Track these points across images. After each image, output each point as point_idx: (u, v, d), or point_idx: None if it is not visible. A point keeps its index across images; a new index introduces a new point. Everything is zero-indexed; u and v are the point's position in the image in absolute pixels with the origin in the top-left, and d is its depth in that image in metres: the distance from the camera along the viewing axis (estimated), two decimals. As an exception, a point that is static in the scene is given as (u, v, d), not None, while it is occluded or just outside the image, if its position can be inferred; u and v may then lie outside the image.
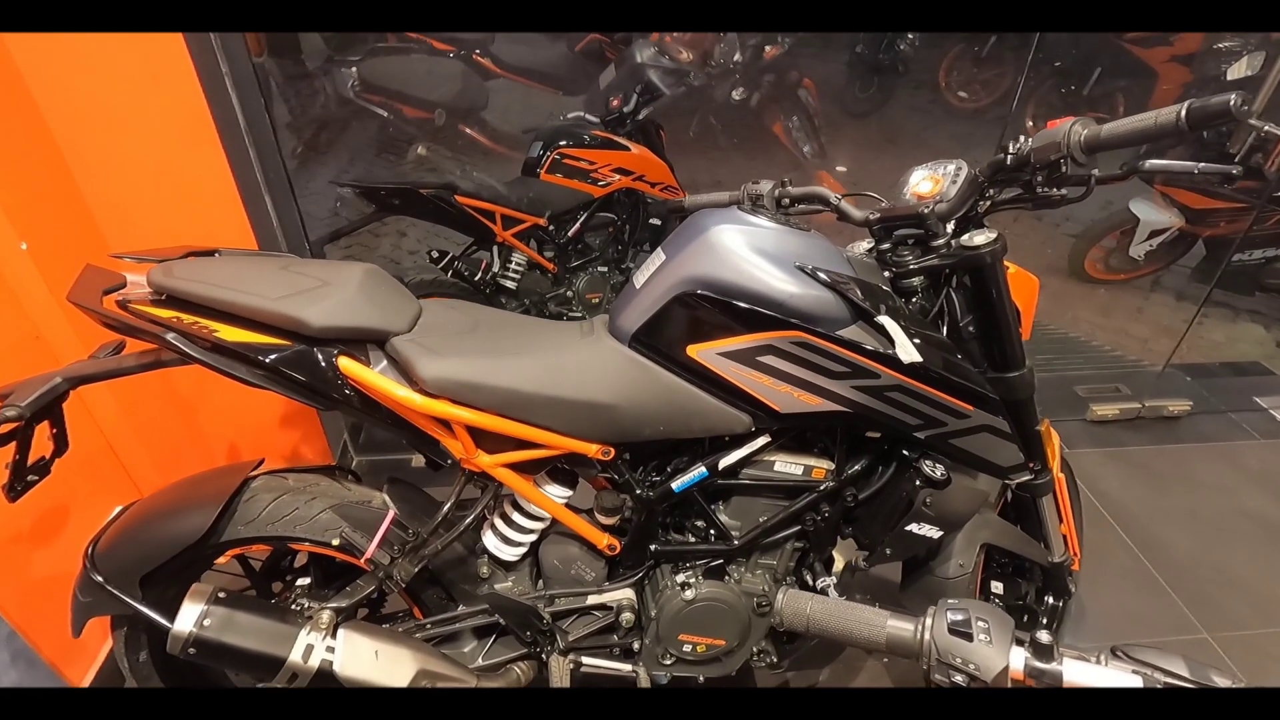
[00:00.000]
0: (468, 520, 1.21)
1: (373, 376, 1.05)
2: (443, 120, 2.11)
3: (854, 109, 5.01)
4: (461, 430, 1.10)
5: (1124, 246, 3.51)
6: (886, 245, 1.24)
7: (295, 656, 1.10)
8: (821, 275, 1.07)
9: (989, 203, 1.16)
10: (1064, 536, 1.44)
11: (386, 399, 1.06)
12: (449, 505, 1.19)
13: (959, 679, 0.57)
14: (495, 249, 2.74)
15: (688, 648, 1.33)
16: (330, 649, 1.12)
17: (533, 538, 1.33)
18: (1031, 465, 1.25)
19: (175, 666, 1.35)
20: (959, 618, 0.59)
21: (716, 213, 1.16)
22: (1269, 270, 3.38)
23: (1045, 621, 1.61)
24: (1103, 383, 2.70)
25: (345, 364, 1.04)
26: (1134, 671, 0.57)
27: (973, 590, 1.38)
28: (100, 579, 1.15)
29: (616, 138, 2.80)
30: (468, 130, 2.34)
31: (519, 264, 2.80)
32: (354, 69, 2.07)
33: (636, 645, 1.35)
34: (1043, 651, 0.56)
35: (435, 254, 2.72)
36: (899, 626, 0.61)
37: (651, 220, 3.01)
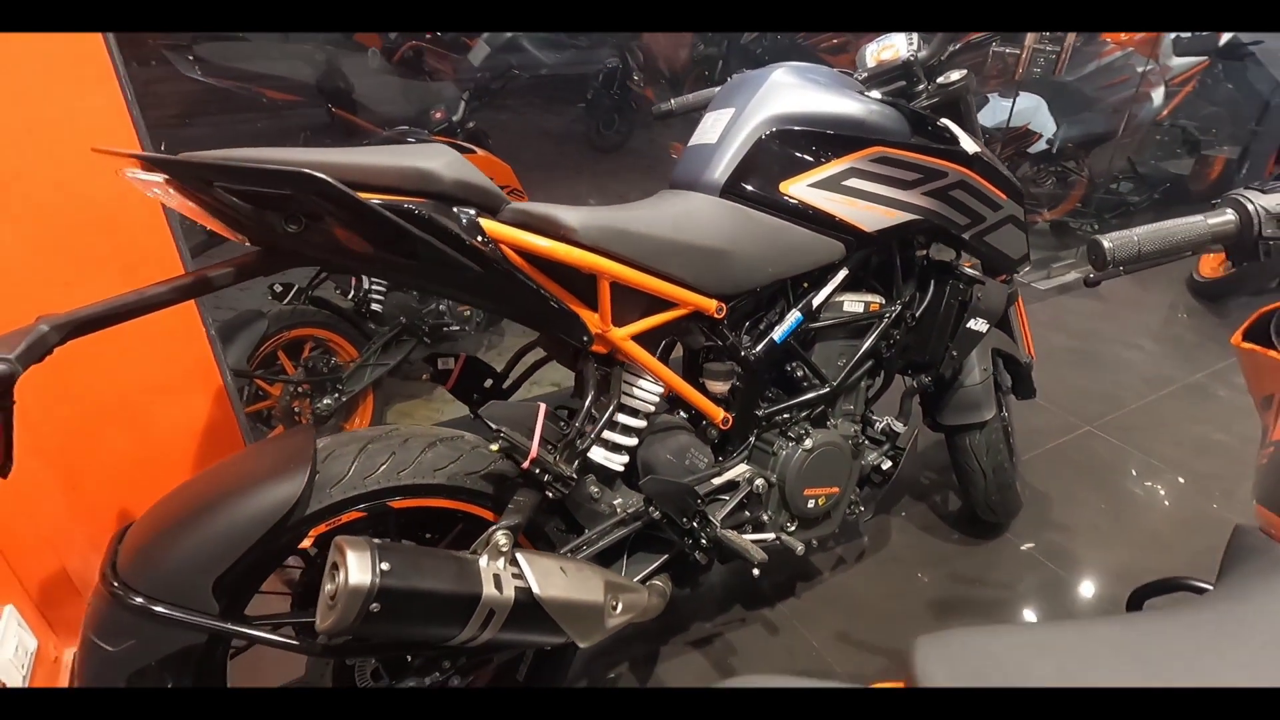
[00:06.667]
0: (611, 408, 1.09)
1: (519, 233, 0.92)
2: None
3: (603, 144, 5.53)
4: (605, 291, 1.01)
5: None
6: (873, 102, 1.43)
7: (489, 589, 0.88)
8: (880, 95, 1.21)
9: (958, 45, 1.41)
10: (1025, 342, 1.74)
11: (541, 255, 0.93)
12: (592, 394, 1.07)
13: None
14: (359, 266, 2.47)
15: (811, 503, 1.33)
16: (517, 575, 0.92)
17: (635, 441, 1.23)
18: None
19: None
20: (1265, 184, 0.73)
21: (767, 67, 1.24)
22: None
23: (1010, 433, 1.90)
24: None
25: (487, 223, 0.90)
26: None
27: (995, 395, 1.60)
28: (153, 604, 0.82)
29: (458, 142, 2.72)
30: (341, 114, 2.09)
31: (379, 284, 2.56)
32: (189, 54, 1.72)
33: (765, 517, 1.31)
34: None
35: (278, 288, 2.37)
36: (1215, 217, 0.74)
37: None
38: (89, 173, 1.20)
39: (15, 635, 1.16)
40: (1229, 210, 0.74)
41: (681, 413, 1.31)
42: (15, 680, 1.12)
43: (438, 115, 2.88)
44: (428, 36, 2.72)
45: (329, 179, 0.75)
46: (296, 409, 2.33)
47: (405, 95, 2.31)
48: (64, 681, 1.28)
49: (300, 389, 2.31)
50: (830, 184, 1.19)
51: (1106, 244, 0.75)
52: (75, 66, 1.14)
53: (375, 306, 2.53)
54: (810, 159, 1.18)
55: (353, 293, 2.42)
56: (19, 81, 1.11)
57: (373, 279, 2.52)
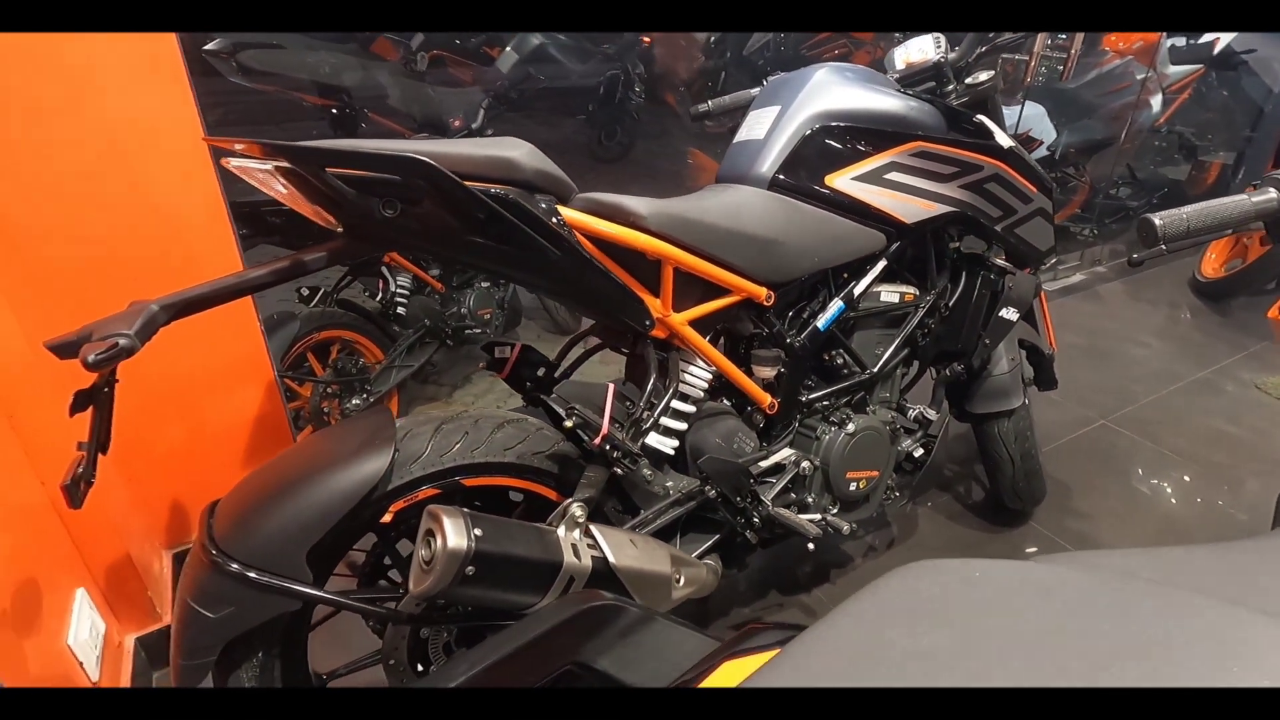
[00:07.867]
0: (670, 391, 1.14)
1: (591, 219, 0.97)
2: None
3: (604, 155, 5.61)
4: (669, 277, 1.06)
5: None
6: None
7: (569, 558, 0.93)
8: (917, 92, 1.27)
9: (986, 48, 1.47)
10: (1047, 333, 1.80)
11: (612, 240, 0.98)
12: (653, 378, 1.12)
13: None
14: (385, 269, 2.52)
15: (853, 486, 1.38)
16: (592, 545, 0.97)
17: (685, 426, 1.28)
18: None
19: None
20: None
21: (808, 68, 1.29)
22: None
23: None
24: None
25: (563, 210, 0.95)
26: None
27: (1022, 383, 1.65)
28: (253, 573, 0.85)
29: (481, 147, 2.77)
30: (379, 119, 2.14)
31: (403, 287, 2.61)
32: (233, 61, 1.77)
33: (809, 499, 1.35)
34: None
35: (305, 290, 2.41)
36: (1258, 196, 0.79)
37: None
38: (161, 171, 1.25)
39: (88, 618, 1.19)
40: (1271, 189, 0.80)
41: (725, 399, 1.35)
42: (90, 661, 1.15)
43: (456, 123, 2.93)
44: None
45: (438, 165, 0.80)
46: (326, 409, 2.36)
47: (435, 102, 2.37)
48: (128, 667, 1.31)
49: (330, 389, 2.34)
50: (872, 177, 1.25)
51: (1158, 221, 0.80)
52: (153, 68, 1.18)
53: (400, 309, 2.57)
54: (853, 153, 1.24)
55: (380, 295, 2.47)
56: (101, 82, 1.16)
57: (398, 282, 2.57)
